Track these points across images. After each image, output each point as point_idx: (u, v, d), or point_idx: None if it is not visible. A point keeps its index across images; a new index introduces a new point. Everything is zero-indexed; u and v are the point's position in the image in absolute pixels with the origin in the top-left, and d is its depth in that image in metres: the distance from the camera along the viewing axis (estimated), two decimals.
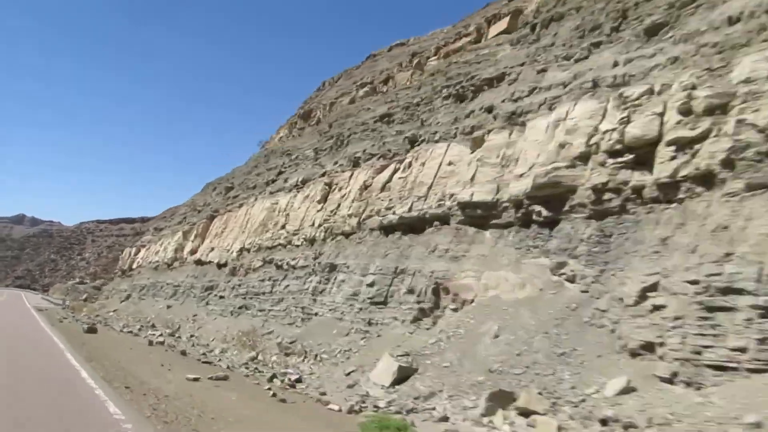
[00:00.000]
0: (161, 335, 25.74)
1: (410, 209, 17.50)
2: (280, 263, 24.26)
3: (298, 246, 23.88)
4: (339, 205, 22.45)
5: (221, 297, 29.08)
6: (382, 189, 20.64)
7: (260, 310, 23.71)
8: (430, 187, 17.40)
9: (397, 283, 16.38)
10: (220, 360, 17.49)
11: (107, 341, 21.29)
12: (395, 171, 20.64)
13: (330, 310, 18.58)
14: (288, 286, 22.53)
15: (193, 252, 39.62)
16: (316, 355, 15.32)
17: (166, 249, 46.57)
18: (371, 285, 16.87)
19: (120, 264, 59.43)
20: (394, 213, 18.20)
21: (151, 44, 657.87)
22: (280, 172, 33.37)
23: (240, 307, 25.62)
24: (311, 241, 22.97)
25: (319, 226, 22.86)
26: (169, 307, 34.70)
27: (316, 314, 19.10)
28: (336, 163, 25.54)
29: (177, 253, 42.57)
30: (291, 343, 17.43)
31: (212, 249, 35.13)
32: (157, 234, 56.77)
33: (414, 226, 17.49)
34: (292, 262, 23.11)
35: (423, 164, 18.26)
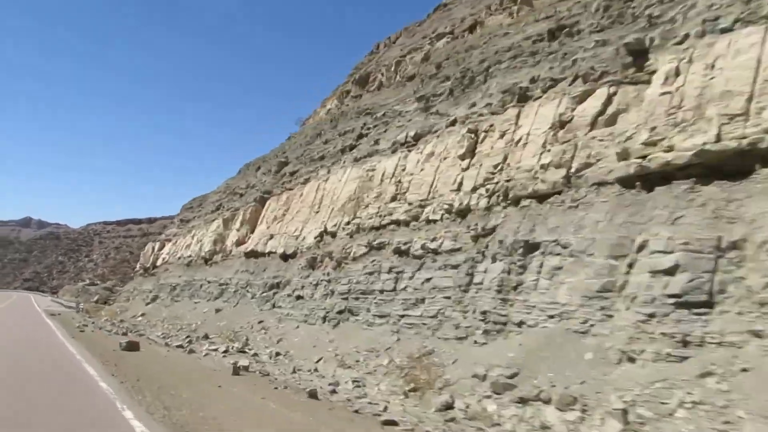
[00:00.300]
0: (228, 351, 18.29)
1: (718, 138, 9.86)
2: (404, 247, 16.71)
3: (434, 221, 16.32)
4: (506, 157, 14.87)
5: (298, 297, 21.57)
6: (593, 124, 13.06)
7: (380, 315, 16.18)
8: (749, 99, 9.78)
9: (728, 267, 8.78)
10: (385, 408, 9.94)
11: (164, 368, 13.80)
12: (611, 96, 13.07)
13: (550, 316, 11.02)
14: (430, 279, 14.98)
15: (240, 243, 32.13)
16: (625, 412, 7.72)
17: (200, 241, 39.14)
18: (668, 272, 9.26)
19: (141, 261, 52.07)
20: (668, 150, 10.57)
21: (151, 44, 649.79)
22: (361, 135, 25.83)
23: (340, 312, 18.10)
24: (461, 213, 15.40)
25: (474, 189, 15.28)
26: (218, 310, 27.21)
27: (520, 324, 11.53)
28: (473, 105, 17.96)
29: (217, 246, 35.09)
30: (510, 377, 9.87)
31: (270, 237, 27.62)
32: (184, 226, 49.34)
33: (720, 167, 9.89)
34: (431, 245, 15.55)
35: (711, 66, 10.65)
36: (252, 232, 31.78)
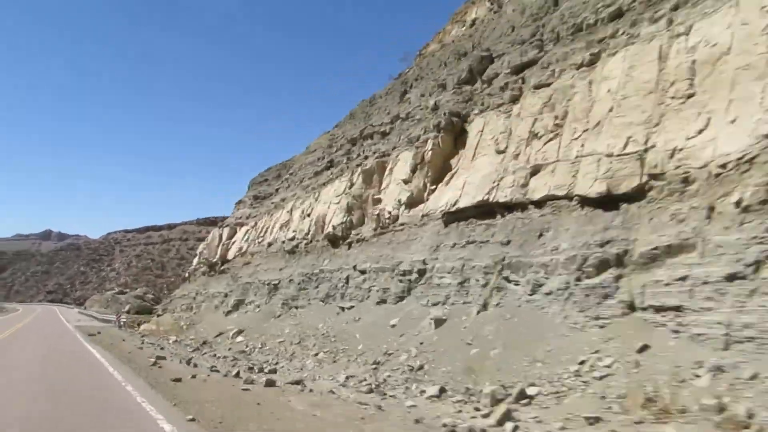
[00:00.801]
0: None
1: None
2: None
3: None
4: None
5: None
6: None
7: None
8: None
9: None
10: None
11: None
12: None
13: None
14: None
15: (415, 202, 18.53)
16: None
17: (307, 216, 25.70)
18: None
19: (204, 255, 38.51)
20: None
21: (151, 45, 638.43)
22: None
23: None
24: None
25: None
26: (439, 322, 13.47)
27: None
28: None
29: (354, 214, 21.55)
30: None
31: (533, 172, 13.81)
32: (261, 204, 35.98)
33: None
34: None
35: None
36: (438, 181, 18.10)
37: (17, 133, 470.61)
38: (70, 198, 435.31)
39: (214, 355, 18.37)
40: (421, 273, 15.95)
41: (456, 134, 18.60)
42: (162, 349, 21.54)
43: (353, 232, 21.43)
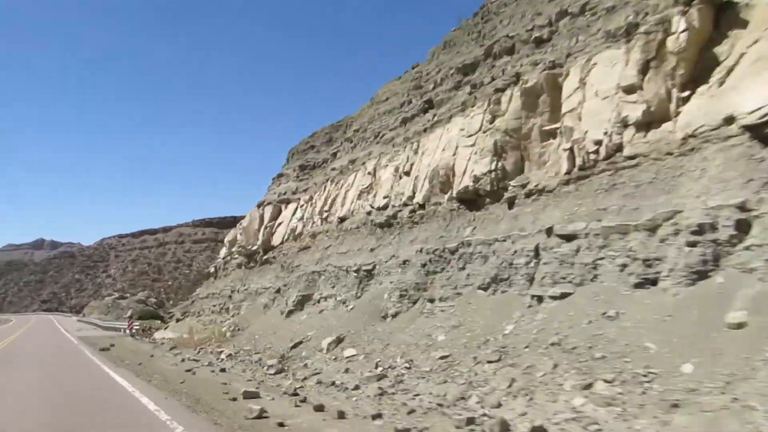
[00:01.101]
0: None
1: None
2: None
3: None
4: None
5: None
6: None
7: None
8: None
9: None
10: None
11: None
12: None
13: None
14: None
15: (653, 120, 11.06)
16: None
17: (408, 173, 18.29)
18: None
19: (239, 243, 30.68)
20: None
21: (148, 47, 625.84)
22: None
23: None
24: None
25: None
26: None
27: None
28: None
29: (505, 157, 14.13)
30: None
31: None
32: (311, 174, 28.47)
33: None
34: None
35: None
36: (693, 83, 10.70)
37: (23, 151, 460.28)
38: (62, 206, 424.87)
39: (332, 383, 10.87)
40: (743, 227, 8.55)
41: (715, 8, 11.23)
42: (223, 371, 14.10)
43: (511, 183, 13.97)
